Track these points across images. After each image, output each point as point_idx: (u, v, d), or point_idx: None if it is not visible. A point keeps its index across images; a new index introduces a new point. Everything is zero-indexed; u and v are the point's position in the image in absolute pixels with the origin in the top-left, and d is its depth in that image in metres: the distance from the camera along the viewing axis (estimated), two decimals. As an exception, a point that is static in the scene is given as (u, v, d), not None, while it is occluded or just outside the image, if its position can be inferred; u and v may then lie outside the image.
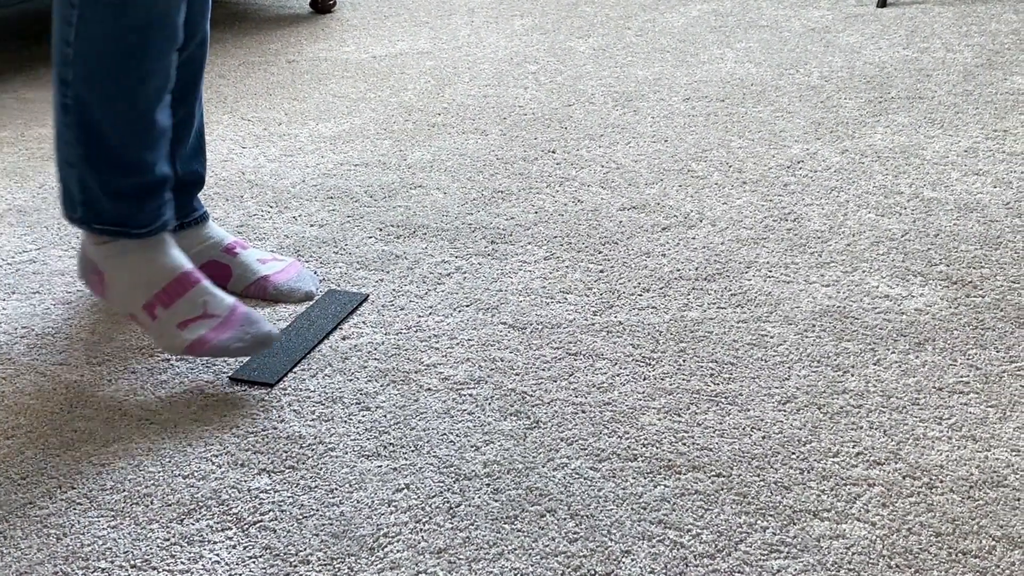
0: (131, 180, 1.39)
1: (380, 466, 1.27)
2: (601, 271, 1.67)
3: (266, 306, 1.61)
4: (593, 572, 1.11)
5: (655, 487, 1.22)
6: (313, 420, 1.36)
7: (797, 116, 2.19)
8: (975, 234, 1.70)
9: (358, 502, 1.22)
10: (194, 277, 1.43)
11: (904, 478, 1.21)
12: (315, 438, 1.33)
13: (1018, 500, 1.17)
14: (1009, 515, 1.15)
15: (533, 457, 1.27)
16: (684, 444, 1.28)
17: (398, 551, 1.15)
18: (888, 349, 1.43)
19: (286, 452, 1.30)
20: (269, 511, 1.21)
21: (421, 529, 1.17)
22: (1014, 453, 1.24)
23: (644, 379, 1.41)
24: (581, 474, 1.24)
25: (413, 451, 1.29)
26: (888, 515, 1.16)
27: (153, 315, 1.41)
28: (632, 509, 1.19)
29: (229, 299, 1.44)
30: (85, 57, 1.34)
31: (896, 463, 1.23)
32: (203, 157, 1.66)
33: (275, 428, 1.35)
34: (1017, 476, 1.20)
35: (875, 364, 1.40)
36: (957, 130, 2.07)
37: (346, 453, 1.30)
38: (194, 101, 1.57)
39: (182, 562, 1.15)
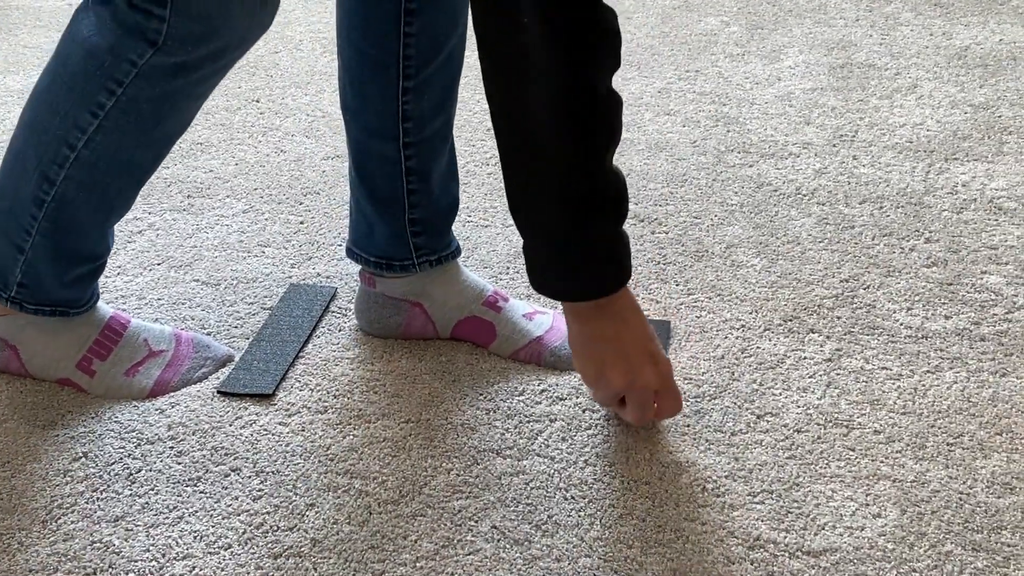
0: (91, 266, 1.25)
1: (57, 435, 1.22)
2: (301, 222, 1.65)
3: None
4: (277, 528, 1.10)
5: (344, 438, 1.22)
6: (-15, 392, 1.29)
7: (502, 60, 2.21)
8: (663, 172, 1.77)
9: (31, 474, 1.17)
10: (123, 319, 1.31)
11: (584, 412, 1.25)
12: (-13, 411, 1.26)
13: (688, 426, 1.23)
14: (679, 441, 1.21)
15: (220, 416, 1.25)
16: (376, 392, 1.29)
17: (72, 522, 1.11)
18: (576, 288, 1.47)
19: (-47, 428, 1.23)
20: (-68, 492, 1.15)
21: (98, 498, 1.14)
22: (687, 381, 1.30)
23: (339, 330, 1.40)
24: (269, 430, 1.23)
25: (93, 418, 1.25)
26: (567, 449, 1.20)
27: (90, 372, 1.27)
28: (319, 461, 1.19)
29: (167, 328, 1.34)
30: (92, 165, 1.16)
31: (577, 398, 1.27)
32: None
33: (-58, 403, 1.27)
34: (687, 403, 1.26)
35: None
36: (652, 71, 2.14)
37: (19, 424, 1.24)
38: None
39: None
